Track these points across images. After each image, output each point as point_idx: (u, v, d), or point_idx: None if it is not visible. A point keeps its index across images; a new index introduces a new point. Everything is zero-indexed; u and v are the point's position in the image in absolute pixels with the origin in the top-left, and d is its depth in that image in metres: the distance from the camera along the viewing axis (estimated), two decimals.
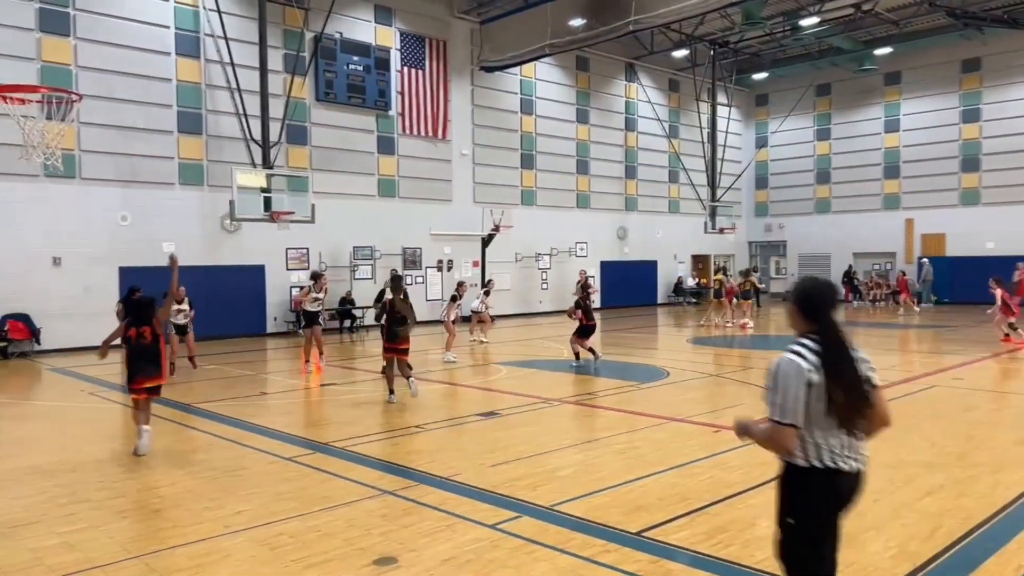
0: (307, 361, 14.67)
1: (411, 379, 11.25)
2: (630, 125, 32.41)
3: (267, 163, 20.54)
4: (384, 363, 11.42)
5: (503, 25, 25.55)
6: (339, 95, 22.98)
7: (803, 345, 3.30)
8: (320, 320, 15.16)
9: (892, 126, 33.00)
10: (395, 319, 11.18)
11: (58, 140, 12.20)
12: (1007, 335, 17.34)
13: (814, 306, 3.40)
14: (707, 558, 5.10)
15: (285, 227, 20.58)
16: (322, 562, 5.14)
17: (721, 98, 33.58)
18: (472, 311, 19.61)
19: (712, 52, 31.99)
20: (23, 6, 17.66)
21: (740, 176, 35.11)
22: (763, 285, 31.18)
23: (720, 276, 25.05)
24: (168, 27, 19.93)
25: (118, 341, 8.50)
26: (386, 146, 24.38)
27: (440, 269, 25.77)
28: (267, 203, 20.00)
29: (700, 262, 35.73)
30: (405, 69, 24.65)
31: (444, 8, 25.83)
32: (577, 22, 23.74)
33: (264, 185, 20.06)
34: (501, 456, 7.91)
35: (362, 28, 23.72)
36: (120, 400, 9.27)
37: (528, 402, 11.05)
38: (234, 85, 20.46)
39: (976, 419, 9.78)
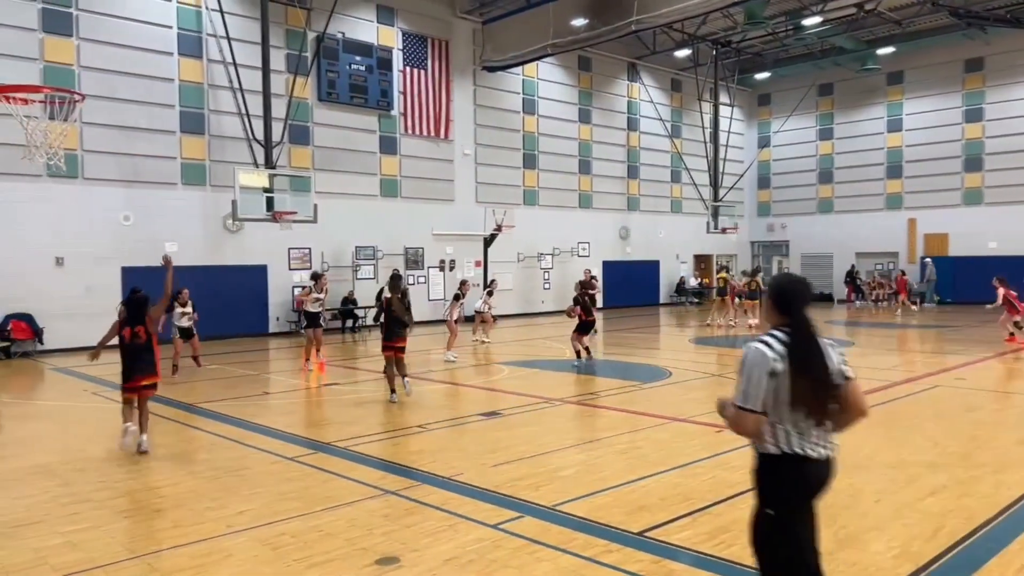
0: (308, 360, 14.74)
1: (406, 378, 11.33)
2: (632, 125, 32.40)
3: (269, 163, 20.55)
4: (385, 362, 11.46)
5: (505, 25, 25.55)
6: (341, 95, 22.99)
7: (773, 336, 3.42)
8: (321, 322, 15.19)
9: (895, 126, 32.97)
10: (392, 318, 11.25)
11: (61, 140, 12.21)
12: (1012, 334, 17.30)
13: (787, 300, 3.49)
14: (709, 558, 5.09)
15: (287, 227, 20.59)
16: (324, 562, 5.14)
17: (723, 98, 33.57)
18: (476, 311, 19.64)
19: (714, 52, 31.95)
20: (26, 6, 17.69)
21: (742, 176, 35.08)
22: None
23: (724, 274, 25.02)
24: (171, 27, 19.96)
25: (114, 341, 8.55)
26: (388, 146, 24.39)
27: (442, 269, 25.78)
28: (269, 203, 20.01)
29: (702, 262, 35.72)
30: (407, 69, 24.66)
31: (446, 8, 25.84)
32: (579, 22, 23.72)
33: (266, 185, 20.07)
34: (503, 456, 7.91)
35: (364, 28, 23.73)
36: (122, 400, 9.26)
37: (530, 402, 11.05)
38: (236, 85, 20.47)
39: (979, 419, 9.76)
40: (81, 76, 18.40)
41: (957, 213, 31.06)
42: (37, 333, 17.83)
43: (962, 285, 29.36)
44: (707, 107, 32.89)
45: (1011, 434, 8.97)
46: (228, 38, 20.21)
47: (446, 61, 25.65)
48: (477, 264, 26.32)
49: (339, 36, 22.87)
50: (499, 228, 25.86)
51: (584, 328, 15.03)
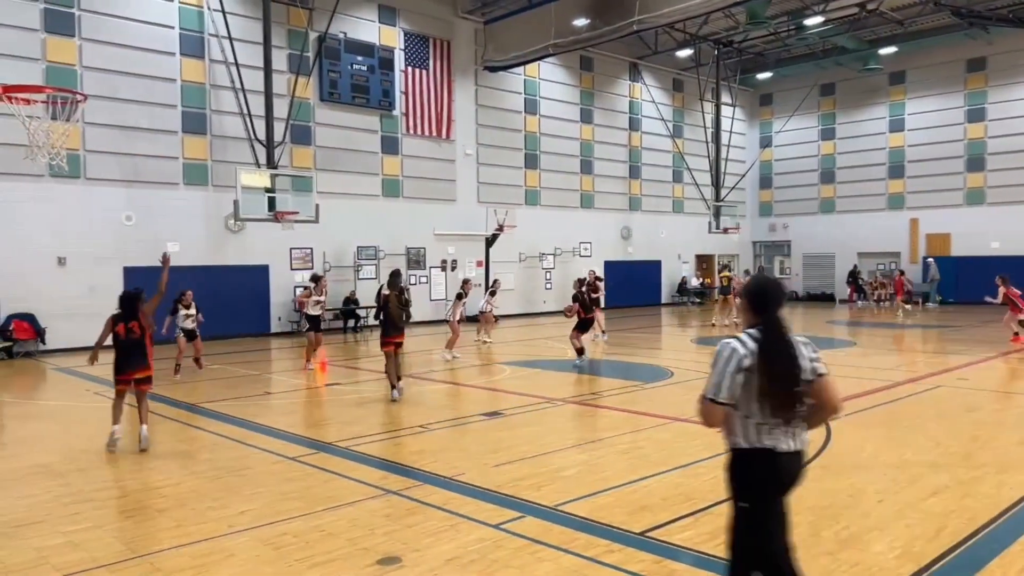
0: (309, 361, 14.84)
1: (400, 381, 11.46)
2: (634, 125, 32.39)
3: (271, 163, 20.55)
4: (385, 359, 11.62)
5: (507, 25, 25.55)
6: (343, 95, 23.00)
7: (748, 334, 3.55)
8: (321, 325, 15.30)
9: (897, 126, 32.94)
10: (389, 316, 11.47)
11: (63, 140, 12.22)
12: (1016, 334, 17.26)
13: (762, 301, 3.61)
14: (711, 558, 5.08)
15: (289, 227, 20.60)
16: (326, 562, 5.14)
17: (725, 98, 33.55)
18: (480, 311, 19.65)
19: (716, 52, 31.93)
20: (28, 6, 17.71)
21: (744, 176, 35.06)
22: None
23: (727, 273, 24.99)
24: (172, 27, 19.97)
25: (109, 341, 8.66)
26: (390, 146, 24.40)
27: (444, 269, 25.78)
28: (271, 203, 20.01)
29: (704, 262, 35.70)
30: (409, 69, 24.67)
31: (448, 8, 25.85)
32: (581, 22, 23.72)
33: (268, 185, 20.08)
34: (505, 456, 7.91)
35: (366, 28, 23.74)
36: (130, 402, 9.26)
37: (532, 402, 11.05)
38: (238, 85, 20.48)
39: (981, 419, 9.75)
40: (83, 76, 18.42)
41: (959, 213, 31.02)
42: (39, 333, 17.85)
43: (964, 285, 29.32)
44: (709, 107, 32.88)
45: (1013, 434, 8.95)
46: (230, 38, 20.22)
47: (448, 61, 25.65)
48: (479, 264, 26.32)
49: (341, 36, 22.88)
50: (501, 228, 25.87)
51: (583, 326, 15.06)
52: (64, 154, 12.43)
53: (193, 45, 20.32)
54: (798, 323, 24.45)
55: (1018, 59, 29.30)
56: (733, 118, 34.08)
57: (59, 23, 18.16)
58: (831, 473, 7.07)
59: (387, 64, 24.01)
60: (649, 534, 5.57)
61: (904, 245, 32.56)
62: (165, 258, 9.26)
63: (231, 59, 20.42)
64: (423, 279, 25.11)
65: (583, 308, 15.03)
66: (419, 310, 23.34)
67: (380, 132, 24.15)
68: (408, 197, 24.85)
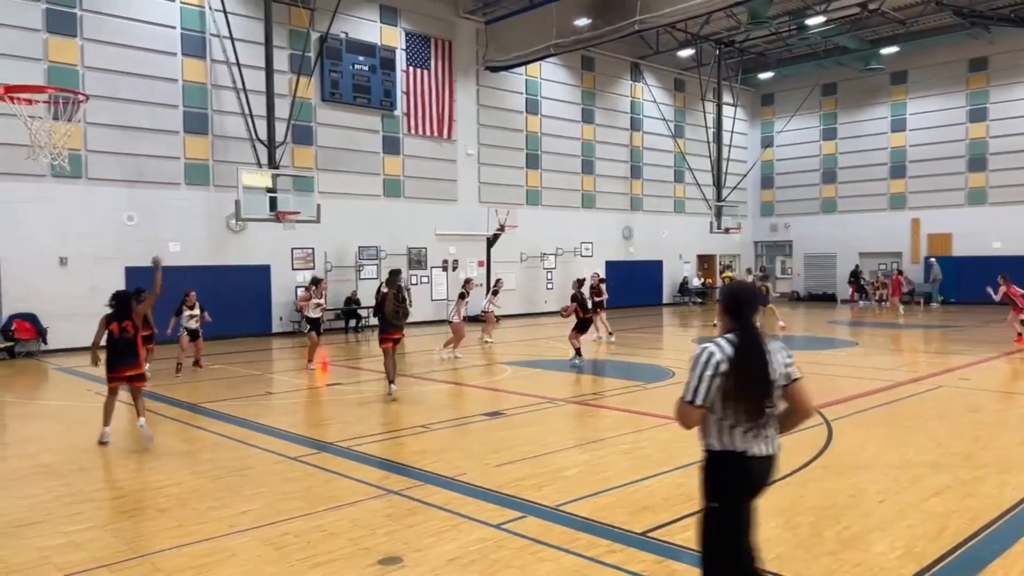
0: (310, 361, 14.90)
1: (392, 384, 11.57)
2: (635, 125, 32.38)
3: (273, 163, 20.57)
4: (383, 356, 11.85)
5: (508, 25, 25.55)
6: (344, 95, 23.01)
7: (725, 339, 3.63)
8: (321, 328, 15.38)
9: (898, 126, 32.90)
10: (385, 313, 11.67)
11: (64, 140, 12.22)
12: (1020, 335, 17.23)
13: (737, 307, 3.69)
14: None
15: (291, 227, 20.60)
16: (327, 562, 5.14)
17: (727, 98, 33.53)
18: (482, 311, 19.64)
19: (718, 52, 31.90)
20: (30, 7, 17.73)
21: (746, 176, 35.03)
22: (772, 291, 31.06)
23: (730, 273, 24.97)
24: (174, 27, 19.98)
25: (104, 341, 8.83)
26: (391, 146, 24.40)
27: (445, 269, 25.78)
28: (273, 203, 20.03)
29: (705, 262, 35.68)
30: (410, 69, 24.67)
31: (449, 8, 25.85)
32: (582, 22, 23.72)
33: (270, 185, 20.10)
34: (506, 456, 7.91)
35: (367, 28, 23.74)
36: (126, 400, 9.29)
37: (533, 402, 11.05)
38: (240, 85, 20.49)
39: (982, 419, 9.73)
40: (85, 76, 18.43)
41: (961, 213, 30.99)
42: (41, 333, 17.86)
43: (966, 285, 29.25)
44: (710, 107, 32.86)
45: (1015, 435, 8.94)
46: (231, 38, 20.23)
47: (449, 61, 25.65)
48: (480, 264, 26.32)
49: (342, 36, 22.88)
50: (502, 228, 25.87)
51: (582, 327, 15.10)
52: (66, 154, 12.43)
53: (195, 45, 20.33)
54: (799, 323, 24.45)
55: (1020, 59, 29.25)
56: (735, 118, 34.06)
57: (61, 23, 18.17)
58: (833, 473, 7.07)
59: (388, 64, 24.01)
60: (651, 534, 5.57)
61: (906, 245, 32.53)
62: (156, 261, 9.44)
63: (233, 59, 20.43)
64: (424, 279, 25.11)
65: (581, 308, 15.07)
66: (421, 310, 23.39)
67: (381, 132, 24.15)
68: (409, 197, 24.85)
